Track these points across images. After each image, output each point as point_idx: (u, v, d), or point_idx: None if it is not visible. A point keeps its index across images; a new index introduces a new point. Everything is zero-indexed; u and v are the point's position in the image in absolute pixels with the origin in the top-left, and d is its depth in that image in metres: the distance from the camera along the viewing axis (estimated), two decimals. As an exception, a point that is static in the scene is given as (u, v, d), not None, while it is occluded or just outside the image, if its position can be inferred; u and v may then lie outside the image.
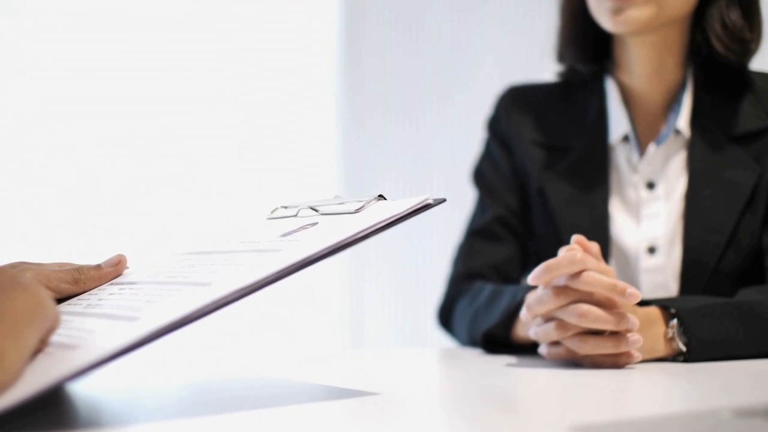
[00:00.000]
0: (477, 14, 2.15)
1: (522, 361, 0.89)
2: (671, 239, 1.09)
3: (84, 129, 1.91)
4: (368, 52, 2.14)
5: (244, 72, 2.04)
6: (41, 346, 0.55)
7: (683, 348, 0.85)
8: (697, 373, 0.78)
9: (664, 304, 0.88)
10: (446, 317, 1.17)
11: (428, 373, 0.89)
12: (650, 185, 1.11)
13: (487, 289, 1.06)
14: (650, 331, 0.85)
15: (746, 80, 1.11)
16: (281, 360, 0.99)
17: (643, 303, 0.88)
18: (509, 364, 0.86)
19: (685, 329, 0.85)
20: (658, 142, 1.11)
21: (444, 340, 1.21)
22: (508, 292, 1.00)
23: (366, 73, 2.14)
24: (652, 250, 1.09)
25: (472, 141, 1.32)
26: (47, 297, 0.55)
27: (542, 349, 0.87)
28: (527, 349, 0.94)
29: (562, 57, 1.17)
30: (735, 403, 0.60)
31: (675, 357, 0.86)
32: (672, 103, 1.12)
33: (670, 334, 0.86)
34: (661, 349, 0.86)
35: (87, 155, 1.91)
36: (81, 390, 0.67)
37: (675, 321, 0.86)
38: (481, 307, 1.04)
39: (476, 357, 0.96)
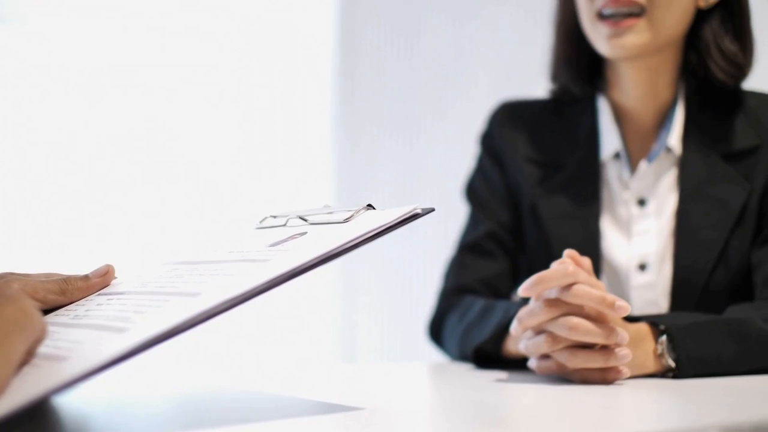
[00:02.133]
0: (472, 30, 2.17)
1: (512, 376, 0.88)
2: (662, 256, 1.09)
3: (82, 130, 1.91)
4: (363, 66, 2.15)
5: (238, 84, 2.05)
6: (28, 357, 0.55)
7: (672, 364, 0.85)
8: (686, 390, 0.78)
9: (653, 321, 0.88)
10: (437, 331, 1.17)
11: (417, 388, 0.88)
12: (641, 202, 1.11)
13: (478, 304, 1.06)
14: (640, 348, 0.85)
15: (737, 98, 1.12)
16: (269, 373, 0.99)
17: (633, 319, 0.88)
18: (499, 380, 0.86)
19: (674, 346, 0.85)
20: (650, 160, 1.11)
21: (435, 354, 1.20)
22: (500, 307, 1.00)
23: (360, 88, 2.15)
24: (642, 267, 1.09)
25: (466, 156, 1.32)
26: (34, 308, 0.55)
27: (532, 363, 0.87)
28: (518, 365, 0.94)
29: (555, 77, 1.18)
30: (722, 421, 0.60)
31: (664, 373, 0.86)
32: (663, 121, 1.13)
33: (659, 351, 0.86)
34: (651, 366, 0.86)
35: (83, 157, 1.91)
36: (67, 402, 0.67)
37: (664, 338, 0.86)
38: (473, 322, 1.03)
39: (466, 372, 0.95)
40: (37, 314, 0.55)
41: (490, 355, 0.98)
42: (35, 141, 1.88)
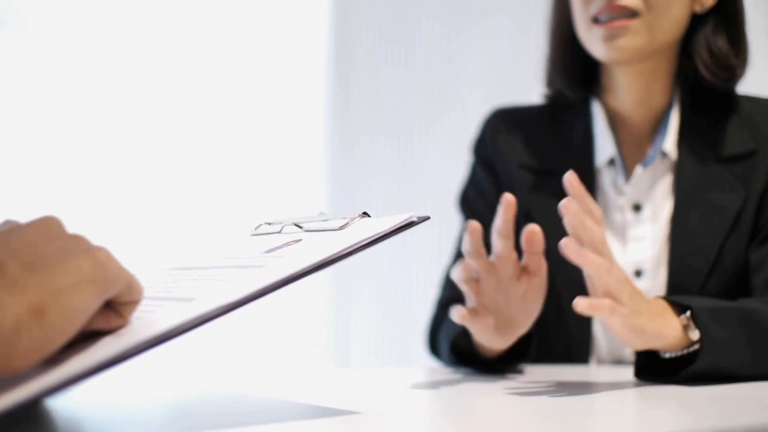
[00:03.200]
0: (466, 39, 2.17)
1: (505, 381, 0.88)
2: (657, 262, 1.09)
3: (82, 130, 1.92)
4: (357, 74, 2.15)
5: (233, 90, 2.05)
6: (119, 321, 0.53)
7: (696, 337, 0.81)
8: (678, 394, 0.78)
9: (673, 300, 0.85)
10: (433, 342, 1.16)
11: (411, 393, 0.88)
12: (636, 207, 1.11)
13: None
14: (661, 318, 0.81)
15: (732, 103, 1.12)
16: (263, 377, 0.99)
17: None
18: (492, 384, 0.86)
19: (697, 324, 0.82)
20: (645, 165, 1.11)
21: (429, 360, 1.20)
22: None
23: (355, 96, 2.15)
24: (638, 273, 1.09)
25: (460, 164, 1.32)
26: (115, 263, 0.52)
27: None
28: (510, 369, 0.94)
29: (551, 83, 1.18)
30: (714, 426, 0.60)
31: (681, 356, 0.83)
32: (658, 126, 1.13)
33: (684, 323, 0.82)
34: (673, 335, 0.82)
35: (83, 157, 1.92)
36: (60, 405, 0.67)
37: (688, 313, 0.82)
38: (455, 324, 1.03)
39: (460, 377, 0.95)
40: (120, 271, 0.52)
41: (464, 350, 0.97)
42: (35, 141, 1.89)
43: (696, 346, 0.82)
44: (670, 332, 0.82)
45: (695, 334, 0.82)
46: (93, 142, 1.93)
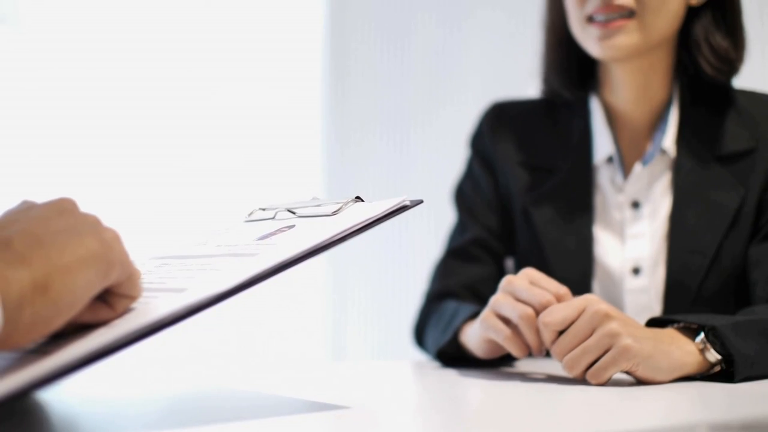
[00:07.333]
0: (462, 33, 2.17)
1: (496, 374, 0.88)
2: (655, 260, 1.08)
3: (82, 130, 1.92)
4: (354, 68, 2.15)
5: (228, 89, 2.05)
6: (111, 314, 0.53)
7: (714, 360, 0.80)
8: (675, 388, 0.77)
9: (677, 320, 0.83)
10: (420, 335, 1.15)
11: (403, 386, 0.88)
12: (635, 205, 1.10)
13: (451, 307, 1.05)
14: (674, 344, 0.79)
15: (728, 97, 1.11)
16: (257, 372, 0.99)
17: (658, 323, 0.85)
18: (484, 378, 0.86)
19: (722, 343, 0.79)
20: (644, 162, 1.10)
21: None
22: (464, 310, 1.00)
23: (351, 90, 2.15)
24: (636, 271, 1.08)
25: (456, 158, 1.32)
26: (121, 247, 0.52)
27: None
28: (499, 362, 0.94)
29: (547, 83, 1.17)
30: (711, 419, 0.60)
31: (709, 374, 0.81)
32: (657, 122, 1.12)
33: (701, 347, 0.80)
34: (693, 362, 0.80)
35: (83, 157, 1.92)
36: (54, 399, 0.66)
37: (702, 335, 0.80)
38: (442, 325, 1.03)
39: (451, 370, 0.95)
40: (124, 253, 0.52)
41: (454, 355, 0.98)
42: (35, 141, 1.89)
43: (717, 368, 0.81)
44: (688, 359, 0.80)
45: (713, 356, 0.80)
46: (92, 139, 1.93)
